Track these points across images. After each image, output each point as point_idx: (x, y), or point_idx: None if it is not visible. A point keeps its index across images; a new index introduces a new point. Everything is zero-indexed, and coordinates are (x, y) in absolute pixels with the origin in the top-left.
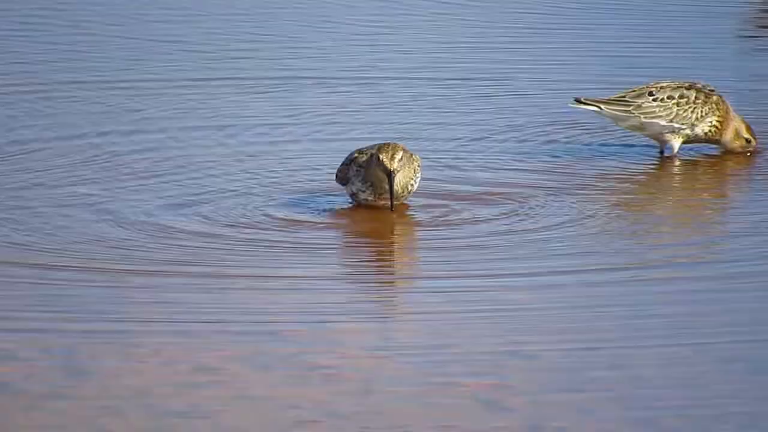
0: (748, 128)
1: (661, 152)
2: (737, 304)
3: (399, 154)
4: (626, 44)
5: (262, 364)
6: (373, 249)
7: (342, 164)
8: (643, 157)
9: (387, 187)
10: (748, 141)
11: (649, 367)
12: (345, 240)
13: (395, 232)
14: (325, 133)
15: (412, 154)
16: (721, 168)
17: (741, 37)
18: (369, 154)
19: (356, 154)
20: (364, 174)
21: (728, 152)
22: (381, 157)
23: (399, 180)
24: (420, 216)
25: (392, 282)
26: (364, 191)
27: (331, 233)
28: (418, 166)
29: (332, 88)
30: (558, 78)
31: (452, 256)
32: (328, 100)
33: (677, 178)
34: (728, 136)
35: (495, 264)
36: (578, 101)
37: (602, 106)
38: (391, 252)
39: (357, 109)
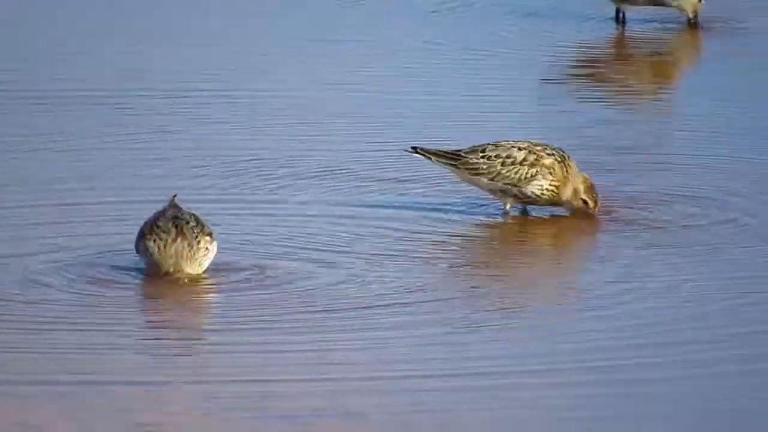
0: (587, 189)
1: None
2: None
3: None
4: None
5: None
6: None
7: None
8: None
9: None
10: (585, 202)
11: None
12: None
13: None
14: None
15: (197, 235)
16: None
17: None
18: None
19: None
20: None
21: (574, 213)
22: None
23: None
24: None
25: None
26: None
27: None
28: (207, 248)
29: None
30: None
31: (278, 318)
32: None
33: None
34: (567, 194)
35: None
36: (414, 150)
37: (432, 158)
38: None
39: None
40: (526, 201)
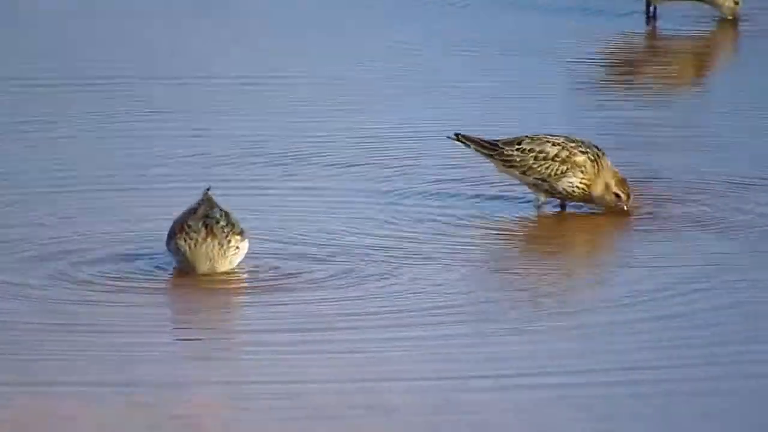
0: (619, 182)
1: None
2: None
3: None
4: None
5: None
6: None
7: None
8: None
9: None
10: (617, 196)
11: None
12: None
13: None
14: None
15: (228, 234)
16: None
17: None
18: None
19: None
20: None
21: (607, 209)
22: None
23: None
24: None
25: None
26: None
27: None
28: (237, 247)
29: None
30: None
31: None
32: None
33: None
34: (599, 189)
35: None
36: (456, 137)
37: (472, 146)
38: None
39: None
40: (558, 196)
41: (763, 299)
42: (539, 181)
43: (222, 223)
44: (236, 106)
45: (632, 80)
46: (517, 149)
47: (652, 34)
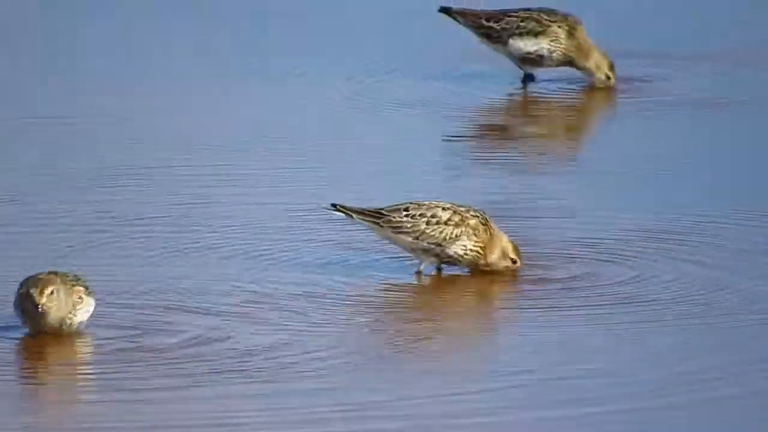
0: (515, 248)
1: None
2: None
3: (49, 289)
4: None
5: None
6: None
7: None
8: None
9: (39, 321)
10: (513, 261)
11: None
12: None
13: None
14: None
15: (74, 284)
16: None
17: None
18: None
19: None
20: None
21: (493, 271)
22: (30, 291)
23: (53, 315)
24: None
25: None
26: (24, 322)
27: None
28: (80, 297)
29: None
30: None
31: None
32: None
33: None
34: (494, 257)
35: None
36: (334, 207)
37: (354, 215)
38: None
39: None
40: (447, 261)
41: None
42: (432, 246)
43: (69, 276)
44: None
45: (504, 146)
46: (406, 215)
47: (524, 99)
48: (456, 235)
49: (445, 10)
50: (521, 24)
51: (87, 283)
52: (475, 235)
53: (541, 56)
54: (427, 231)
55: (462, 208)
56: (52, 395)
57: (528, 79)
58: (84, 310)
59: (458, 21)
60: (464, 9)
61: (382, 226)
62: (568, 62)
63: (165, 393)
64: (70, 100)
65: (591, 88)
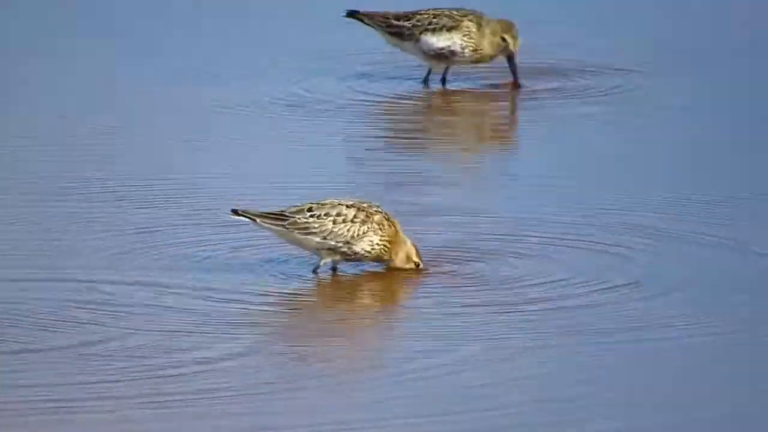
0: (417, 252)
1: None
2: None
3: None
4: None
5: None
6: None
7: None
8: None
9: None
10: (417, 264)
11: None
12: None
13: None
14: None
15: None
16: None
17: None
18: None
19: None
20: None
21: (395, 269)
22: None
23: None
24: None
25: None
26: None
27: None
28: None
29: None
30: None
31: None
32: None
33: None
34: (400, 258)
35: None
36: (234, 212)
37: (258, 219)
38: None
39: None
40: (353, 259)
41: None
42: (339, 244)
43: None
44: None
45: (414, 144)
46: (311, 216)
47: (437, 98)
48: (363, 232)
49: (352, 14)
50: (434, 20)
51: None
52: (381, 230)
53: (453, 51)
54: (335, 230)
55: (364, 204)
56: None
57: (429, 79)
58: None
59: (366, 23)
60: (371, 11)
61: (288, 229)
62: (477, 60)
63: None
64: None
65: (495, 91)
